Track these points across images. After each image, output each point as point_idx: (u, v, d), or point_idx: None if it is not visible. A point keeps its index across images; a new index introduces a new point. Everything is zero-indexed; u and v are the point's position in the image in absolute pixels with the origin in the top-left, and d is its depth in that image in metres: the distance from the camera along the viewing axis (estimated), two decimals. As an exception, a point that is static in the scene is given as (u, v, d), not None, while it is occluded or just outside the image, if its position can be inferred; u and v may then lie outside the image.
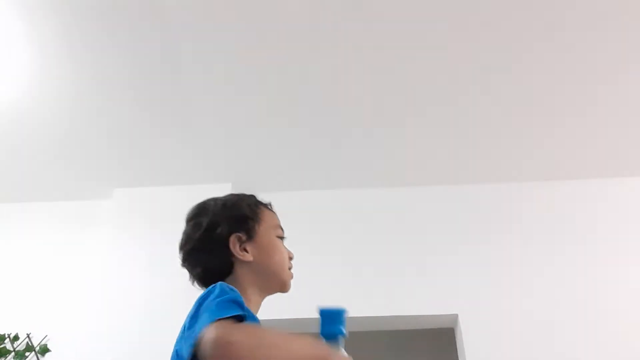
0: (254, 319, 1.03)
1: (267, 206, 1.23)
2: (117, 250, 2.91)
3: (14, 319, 2.77)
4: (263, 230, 1.16)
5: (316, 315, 1.03)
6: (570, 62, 2.40)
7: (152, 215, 2.99)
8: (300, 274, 3.25)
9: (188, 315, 0.96)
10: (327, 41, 2.30)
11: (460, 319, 2.70)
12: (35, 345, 2.69)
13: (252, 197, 1.24)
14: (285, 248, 1.20)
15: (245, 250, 1.13)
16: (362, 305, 2.78)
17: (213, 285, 0.98)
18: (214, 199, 1.22)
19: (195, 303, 0.96)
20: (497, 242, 2.92)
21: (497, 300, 2.73)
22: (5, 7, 2.15)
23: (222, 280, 1.10)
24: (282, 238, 1.19)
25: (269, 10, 2.17)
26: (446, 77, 2.48)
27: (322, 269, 2.92)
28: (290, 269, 1.19)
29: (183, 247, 1.18)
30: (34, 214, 3.22)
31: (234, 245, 1.12)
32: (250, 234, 1.14)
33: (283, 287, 1.17)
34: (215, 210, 1.18)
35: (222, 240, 1.13)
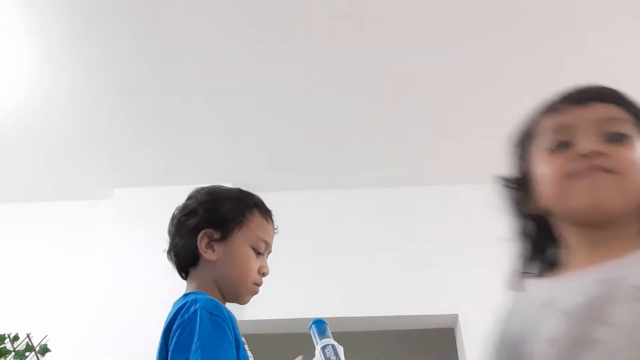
0: (230, 319, 1.02)
1: (264, 216, 1.17)
2: (117, 250, 2.91)
3: (14, 319, 2.76)
4: (240, 236, 1.11)
5: (311, 315, 1.07)
6: (570, 62, 2.40)
7: (152, 215, 2.98)
8: (301, 274, 3.25)
9: (170, 337, 0.96)
10: (327, 41, 2.30)
11: (460, 319, 2.70)
12: (35, 345, 2.69)
13: (252, 199, 1.18)
14: (264, 263, 1.14)
15: (212, 249, 1.10)
16: (362, 305, 2.78)
17: (194, 311, 0.96)
18: (217, 188, 1.20)
19: (177, 324, 0.96)
20: (497, 242, 2.92)
21: (497, 300, 2.72)
22: (6, 7, 2.14)
23: (189, 268, 1.12)
24: (259, 253, 1.13)
25: (268, 10, 2.17)
26: (447, 77, 2.48)
27: (322, 268, 2.92)
28: (258, 284, 1.13)
29: (169, 224, 1.17)
30: (34, 214, 3.21)
31: (201, 240, 1.10)
32: (224, 235, 1.10)
33: (238, 299, 1.12)
34: (201, 199, 1.16)
35: (194, 231, 1.11)
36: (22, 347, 2.69)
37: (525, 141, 0.88)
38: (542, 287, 0.79)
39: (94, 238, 3.02)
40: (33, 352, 2.67)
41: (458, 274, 2.83)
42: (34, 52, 2.34)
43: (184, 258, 1.12)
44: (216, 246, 1.10)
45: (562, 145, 0.78)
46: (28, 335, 2.71)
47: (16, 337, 2.71)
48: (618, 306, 0.66)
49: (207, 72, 2.43)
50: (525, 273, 0.86)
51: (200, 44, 2.30)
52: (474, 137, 2.84)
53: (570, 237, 0.80)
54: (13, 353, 2.67)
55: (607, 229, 0.76)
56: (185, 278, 1.15)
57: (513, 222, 0.90)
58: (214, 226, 1.11)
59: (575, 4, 2.16)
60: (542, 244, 0.85)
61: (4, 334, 2.72)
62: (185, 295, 1.08)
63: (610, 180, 0.74)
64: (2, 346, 2.68)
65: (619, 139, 0.77)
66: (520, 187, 0.88)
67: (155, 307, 2.75)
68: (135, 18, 2.19)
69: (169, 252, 1.15)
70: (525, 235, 0.87)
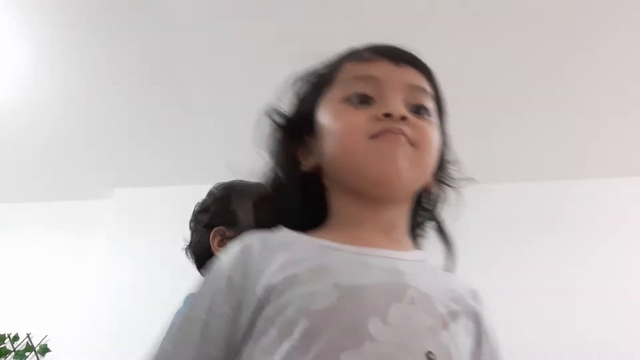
0: None
1: None
2: (117, 250, 2.92)
3: (14, 319, 2.77)
4: None
5: None
6: (571, 63, 2.40)
7: (152, 215, 2.99)
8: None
9: None
10: (327, 41, 2.29)
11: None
12: (35, 345, 2.69)
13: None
14: None
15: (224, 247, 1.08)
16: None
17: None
18: (234, 183, 1.16)
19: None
20: (496, 242, 2.92)
21: (496, 299, 2.72)
22: (1, 6, 2.15)
23: (202, 267, 1.08)
24: None
25: (269, 9, 2.17)
26: (447, 76, 2.47)
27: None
28: None
29: (190, 220, 1.16)
30: (34, 214, 3.22)
31: (213, 238, 1.07)
32: (237, 234, 1.04)
33: None
34: (216, 195, 1.14)
35: (207, 228, 1.09)
36: (22, 347, 2.70)
37: (318, 83, 0.78)
38: (310, 247, 0.65)
39: (93, 238, 3.03)
40: (33, 352, 2.68)
41: (457, 274, 2.83)
42: (34, 52, 2.34)
43: (200, 256, 1.09)
44: (229, 245, 1.08)
45: (363, 99, 0.68)
46: (28, 335, 2.72)
47: (16, 337, 2.71)
48: (397, 305, 0.60)
49: (207, 72, 2.43)
50: (283, 223, 0.71)
51: (201, 43, 2.30)
52: (474, 137, 2.84)
53: (338, 204, 0.69)
54: (13, 353, 2.67)
55: (382, 206, 0.67)
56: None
57: (274, 168, 0.76)
58: (227, 224, 1.08)
59: None
60: (300, 200, 0.72)
61: (4, 334, 2.72)
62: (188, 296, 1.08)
63: (410, 152, 0.66)
64: (2, 346, 2.69)
65: (422, 112, 0.69)
66: (293, 132, 0.75)
67: (156, 307, 2.75)
68: (135, 17, 2.19)
69: (187, 249, 1.13)
70: (286, 187, 0.73)
